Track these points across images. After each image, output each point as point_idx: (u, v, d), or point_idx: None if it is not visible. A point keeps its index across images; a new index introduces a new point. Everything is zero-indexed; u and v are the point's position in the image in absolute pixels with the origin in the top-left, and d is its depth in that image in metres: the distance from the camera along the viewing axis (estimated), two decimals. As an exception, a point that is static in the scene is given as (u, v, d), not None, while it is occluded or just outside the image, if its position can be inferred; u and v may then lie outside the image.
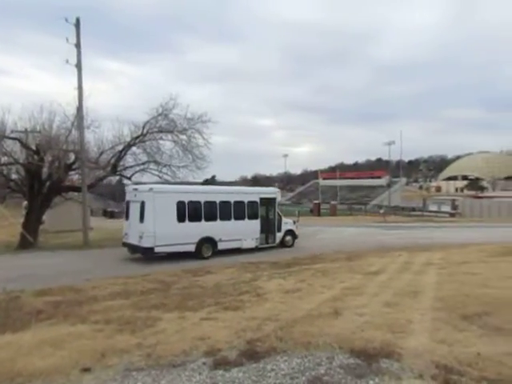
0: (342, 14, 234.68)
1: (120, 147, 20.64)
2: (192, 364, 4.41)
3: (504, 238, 18.62)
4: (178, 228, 15.05)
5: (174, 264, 13.81)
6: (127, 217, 16.00)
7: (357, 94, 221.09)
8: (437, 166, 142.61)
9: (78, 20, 19.35)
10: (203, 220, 15.84)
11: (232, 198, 16.89)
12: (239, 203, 16.97)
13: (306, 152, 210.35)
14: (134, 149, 20.90)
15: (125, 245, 15.89)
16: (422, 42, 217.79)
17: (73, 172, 21.03)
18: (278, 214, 18.49)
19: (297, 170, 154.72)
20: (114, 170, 20.99)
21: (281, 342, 4.99)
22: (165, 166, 20.74)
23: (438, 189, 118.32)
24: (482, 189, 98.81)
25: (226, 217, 16.41)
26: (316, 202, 51.12)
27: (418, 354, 4.39)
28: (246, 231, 17.00)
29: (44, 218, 23.55)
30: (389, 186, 68.31)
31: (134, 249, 15.50)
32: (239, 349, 4.81)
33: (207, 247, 15.77)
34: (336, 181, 76.38)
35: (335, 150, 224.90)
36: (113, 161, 20.68)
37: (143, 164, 21.06)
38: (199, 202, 15.84)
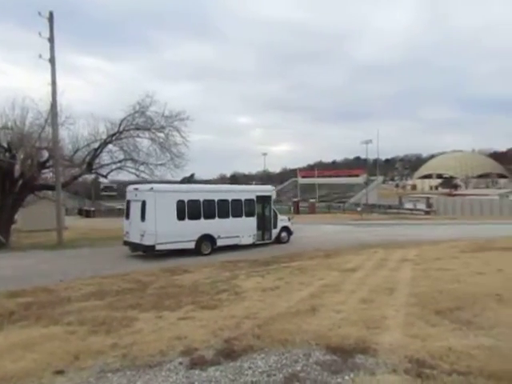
0: (320, 14, 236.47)
1: (96, 145, 20.27)
2: (168, 364, 4.37)
3: (475, 235, 19.16)
4: (178, 226, 15.44)
5: (154, 263, 13.66)
6: (127, 216, 16.27)
7: (335, 93, 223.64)
8: (412, 164, 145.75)
9: (51, 14, 18.87)
10: (202, 218, 16.24)
11: (229, 197, 17.31)
12: (236, 201, 17.40)
13: (285, 150, 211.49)
14: (110, 146, 20.59)
15: (126, 243, 16.20)
16: (398, 43, 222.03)
17: (46, 170, 20.51)
18: (274, 211, 18.98)
19: (276, 169, 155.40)
20: (90, 168, 20.59)
21: (258, 340, 5.01)
22: (142, 163, 20.51)
23: (414, 187, 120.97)
24: (456, 187, 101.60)
25: (224, 215, 16.85)
26: (295, 200, 51.49)
27: (392, 349, 4.47)
28: (244, 228, 17.42)
29: (16, 217, 22.92)
30: (366, 184, 69.32)
31: (135, 247, 15.78)
32: (216, 348, 4.80)
33: (206, 244, 16.18)
34: (315, 179, 77.11)
35: (314, 149, 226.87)
36: (88, 159, 20.28)
37: (120, 162, 20.75)
38: (198, 201, 16.24)
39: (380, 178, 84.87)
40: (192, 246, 15.80)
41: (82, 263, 14.21)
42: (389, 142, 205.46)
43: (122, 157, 20.63)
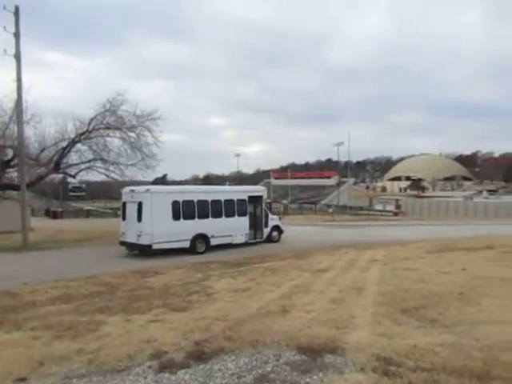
0: (292, 16, 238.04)
1: (64, 144, 19.73)
2: (137, 368, 4.29)
3: (441, 236, 19.81)
4: (173, 226, 15.95)
5: (125, 265, 13.40)
6: (124, 217, 16.75)
7: (307, 95, 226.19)
8: (383, 167, 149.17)
9: (17, 8, 18.22)
10: (196, 218, 16.75)
11: (222, 197, 17.92)
12: (229, 201, 17.95)
13: (258, 152, 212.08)
14: (79, 146, 20.08)
15: (122, 243, 16.62)
16: (369, 48, 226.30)
17: (11, 169, 19.78)
18: (265, 211, 19.60)
19: (249, 170, 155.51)
20: (57, 167, 20.01)
21: (229, 342, 4.99)
22: (112, 163, 20.09)
23: (384, 189, 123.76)
24: (423, 189, 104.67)
25: (217, 214, 17.40)
26: (268, 201, 51.67)
27: (360, 347, 4.56)
28: (236, 228, 17.96)
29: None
30: (338, 185, 70.51)
31: (131, 247, 16.28)
32: (186, 350, 4.75)
33: (201, 243, 16.69)
34: (287, 180, 77.72)
35: (287, 150, 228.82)
36: (55, 158, 19.72)
37: (89, 162, 20.28)
38: (192, 201, 16.76)
39: (351, 180, 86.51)
40: (187, 245, 16.29)
41: (48, 266, 13.75)
42: (360, 145, 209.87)
43: (91, 156, 20.17)
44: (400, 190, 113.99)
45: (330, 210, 46.55)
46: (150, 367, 4.31)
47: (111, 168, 20.18)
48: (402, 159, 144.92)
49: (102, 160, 20.09)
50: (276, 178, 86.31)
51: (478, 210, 48.41)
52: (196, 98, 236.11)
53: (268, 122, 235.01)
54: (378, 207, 56.86)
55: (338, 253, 14.52)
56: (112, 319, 6.34)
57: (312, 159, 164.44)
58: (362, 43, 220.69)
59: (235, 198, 18.27)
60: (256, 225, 18.95)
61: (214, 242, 17.07)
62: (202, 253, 16.25)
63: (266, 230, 19.36)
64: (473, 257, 11.66)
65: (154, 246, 15.50)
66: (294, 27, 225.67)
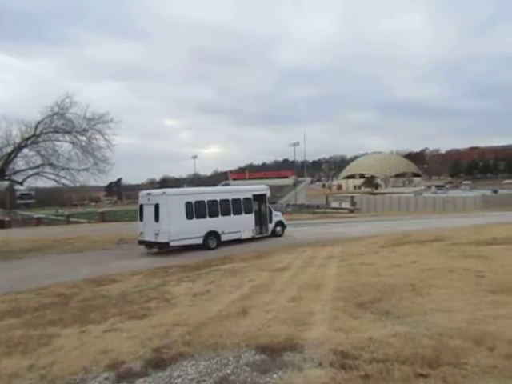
0: (245, 18, 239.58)
1: (8, 149, 18.65)
2: (92, 381, 4.14)
3: (394, 230, 20.61)
4: (187, 224, 17.44)
5: (80, 274, 12.85)
6: (141, 218, 18.06)
7: (263, 96, 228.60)
8: (338, 165, 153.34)
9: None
10: (208, 216, 18.22)
11: (230, 197, 19.39)
12: (236, 200, 19.41)
13: (215, 153, 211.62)
14: (25, 151, 19.04)
15: (141, 242, 18.04)
16: (322, 50, 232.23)
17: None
18: (269, 208, 21.14)
19: (207, 172, 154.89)
20: (2, 174, 18.87)
21: (188, 347, 4.93)
22: (62, 169, 19.20)
23: (339, 187, 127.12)
24: (377, 186, 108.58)
25: (226, 213, 18.83)
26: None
27: (318, 343, 4.64)
28: (244, 224, 19.42)
29: None
30: (295, 185, 71.55)
31: (150, 245, 17.69)
32: (145, 358, 4.64)
33: (212, 239, 18.14)
34: (245, 181, 77.85)
35: (244, 151, 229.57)
36: (0, 164, 18.57)
37: (37, 167, 19.24)
38: (204, 202, 18.25)
39: (308, 179, 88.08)
40: (200, 241, 17.79)
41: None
42: (315, 145, 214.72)
43: (39, 162, 19.16)
44: (355, 187, 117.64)
45: (288, 209, 47.18)
46: (106, 379, 4.18)
47: (61, 173, 19.30)
48: (355, 158, 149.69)
49: (52, 165, 19.13)
50: (234, 179, 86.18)
51: (427, 205, 50.89)
52: (150, 99, 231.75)
53: (225, 123, 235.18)
54: (335, 205, 58.28)
55: (297, 251, 14.73)
56: (65, 331, 6.07)
57: (269, 160, 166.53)
58: (313, 45, 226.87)
59: (242, 197, 19.73)
60: (261, 221, 20.47)
61: (224, 238, 18.51)
62: (213, 248, 17.81)
63: (271, 226, 20.85)
64: (423, 249, 12.20)
65: (172, 243, 17.01)
66: (248, 29, 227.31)
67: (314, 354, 4.37)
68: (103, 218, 41.86)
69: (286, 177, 79.85)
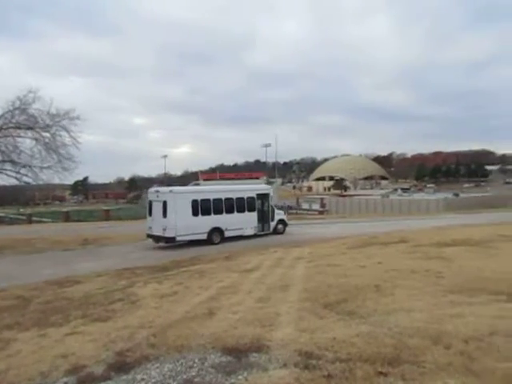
0: (218, 17, 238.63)
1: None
2: (51, 386, 4.01)
3: (362, 232, 21.03)
4: (193, 221, 18.38)
5: (43, 275, 12.38)
6: (150, 213, 19.01)
7: (234, 96, 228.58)
8: (308, 167, 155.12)
9: None
10: (212, 214, 19.06)
11: (234, 195, 20.20)
12: (240, 199, 20.24)
13: (186, 153, 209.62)
14: (-17, 147, 18.15)
15: (149, 236, 18.96)
16: (293, 52, 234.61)
17: None
18: (271, 206, 21.96)
19: (177, 171, 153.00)
20: (-42, 171, 17.96)
21: (153, 349, 4.87)
22: (24, 166, 18.42)
23: (310, 188, 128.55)
24: (346, 188, 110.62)
25: (230, 210, 19.70)
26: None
27: (283, 344, 4.68)
28: (246, 221, 20.31)
29: None
30: (266, 186, 71.69)
31: (158, 239, 18.59)
32: (107, 362, 4.55)
33: (216, 235, 19.02)
34: (216, 182, 77.43)
35: (215, 151, 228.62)
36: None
37: (-4, 164, 18.41)
38: (209, 200, 19.13)
39: (279, 181, 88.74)
40: (205, 237, 18.67)
41: None
42: (287, 146, 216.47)
43: (-1, 158, 18.35)
44: (324, 189, 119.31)
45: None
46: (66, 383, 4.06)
47: (23, 171, 18.49)
48: (325, 160, 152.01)
49: (12, 162, 18.33)
50: (205, 180, 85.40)
51: (393, 207, 52.24)
52: (119, 97, 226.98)
53: (196, 122, 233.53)
54: (305, 206, 58.85)
55: (266, 252, 14.78)
56: (23, 335, 5.85)
57: (240, 160, 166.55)
58: (284, 47, 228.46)
59: (245, 195, 20.59)
60: (263, 219, 21.32)
61: (227, 234, 19.36)
62: (217, 244, 18.59)
63: (273, 224, 21.72)
64: (388, 251, 12.55)
65: (178, 238, 18.02)
66: (220, 28, 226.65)
67: (279, 354, 4.41)
68: (67, 217, 40.49)
69: (258, 178, 79.91)
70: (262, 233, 21.13)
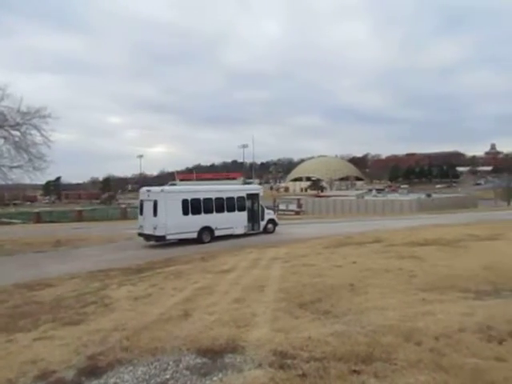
0: (194, 16, 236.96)
1: None
2: (19, 393, 3.88)
3: (337, 232, 21.29)
4: (183, 220, 18.59)
5: (11, 278, 11.96)
6: (141, 212, 19.30)
7: (211, 96, 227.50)
8: (285, 168, 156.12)
9: None
10: (202, 213, 19.33)
11: (224, 195, 20.46)
12: (230, 198, 20.53)
13: (162, 153, 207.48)
14: None
15: (140, 235, 19.25)
16: (271, 52, 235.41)
17: None
18: (261, 206, 22.31)
19: (153, 171, 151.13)
20: None
21: (126, 353, 4.78)
22: (-8, 165, 17.81)
23: (287, 189, 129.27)
24: (322, 188, 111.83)
25: (220, 210, 19.96)
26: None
27: (259, 344, 4.69)
28: (236, 221, 20.55)
29: None
30: (243, 186, 71.66)
31: (148, 237, 18.81)
32: (78, 367, 4.44)
33: (206, 234, 19.25)
34: (193, 182, 76.94)
35: (192, 152, 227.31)
36: None
37: (-38, 163, 17.72)
38: (199, 199, 19.41)
39: (256, 181, 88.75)
40: (195, 235, 18.89)
41: None
42: (264, 147, 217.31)
43: (-35, 157, 17.66)
44: (301, 189, 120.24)
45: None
46: (34, 390, 3.93)
47: (-10, 170, 17.89)
48: (302, 161, 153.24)
49: (-20, 161, 17.73)
50: (181, 180, 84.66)
51: (368, 207, 53.15)
52: (93, 95, 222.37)
53: (173, 122, 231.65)
54: (282, 207, 59.08)
55: (242, 253, 14.75)
56: (-11, 341, 5.64)
57: (218, 161, 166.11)
58: (262, 48, 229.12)
59: (235, 195, 20.86)
60: (254, 218, 21.60)
61: (217, 233, 19.58)
62: (207, 242, 18.84)
63: (263, 223, 22.04)
64: (362, 250, 12.74)
65: (168, 237, 18.21)
66: (196, 27, 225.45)
67: (254, 355, 4.41)
68: (39, 218, 39.31)
69: (235, 178, 79.61)
70: (252, 232, 21.42)
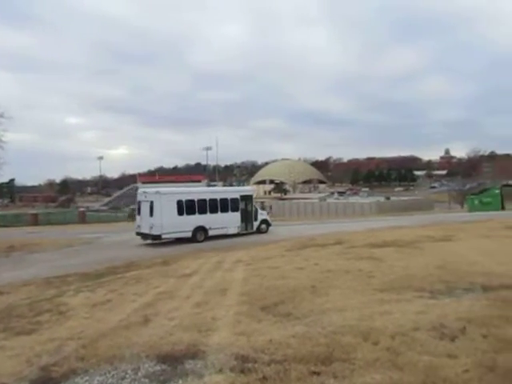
0: (157, 16, 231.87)
1: None
2: (-37, 409, 3.65)
3: (300, 234, 21.56)
4: (178, 220, 19.48)
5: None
6: (139, 213, 20.38)
7: (173, 97, 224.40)
8: (249, 171, 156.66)
9: None
10: (197, 213, 20.18)
11: (218, 196, 21.55)
12: (224, 199, 21.42)
13: (124, 154, 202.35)
14: None
15: (138, 234, 20.10)
16: (234, 55, 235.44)
17: None
18: (255, 207, 23.25)
19: (114, 174, 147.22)
20: None
21: (82, 362, 4.61)
22: None
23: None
24: (286, 191, 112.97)
25: (214, 210, 20.77)
26: (133, 207, 49.42)
27: (220, 348, 4.65)
28: (230, 221, 21.33)
29: None
30: (207, 189, 71.24)
31: (145, 236, 19.71)
32: (30, 378, 4.25)
33: (200, 233, 20.14)
34: (156, 184, 75.62)
35: (154, 154, 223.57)
36: None
37: None
38: (193, 200, 20.31)
39: (220, 184, 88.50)
40: (189, 235, 19.82)
41: None
42: (227, 149, 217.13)
43: None
44: (265, 192, 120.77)
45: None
46: (-19, 405, 3.72)
47: None
48: (266, 164, 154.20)
49: None
50: (143, 183, 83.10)
51: (330, 210, 54.32)
52: (49, 94, 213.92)
53: (133, 123, 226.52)
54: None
55: (205, 256, 14.64)
56: None
57: (181, 163, 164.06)
58: (225, 50, 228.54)
59: (229, 196, 21.83)
60: (247, 219, 22.30)
61: (211, 232, 20.42)
62: (201, 241, 19.66)
63: (256, 223, 22.75)
64: (324, 252, 12.96)
65: (163, 236, 19.19)
66: (160, 28, 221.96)
67: (215, 359, 4.37)
68: (-10, 222, 37.24)
69: (199, 181, 79.48)
70: (246, 232, 22.09)
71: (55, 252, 18.14)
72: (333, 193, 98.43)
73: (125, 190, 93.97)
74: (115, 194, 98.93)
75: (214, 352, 4.57)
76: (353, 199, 70.77)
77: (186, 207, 19.88)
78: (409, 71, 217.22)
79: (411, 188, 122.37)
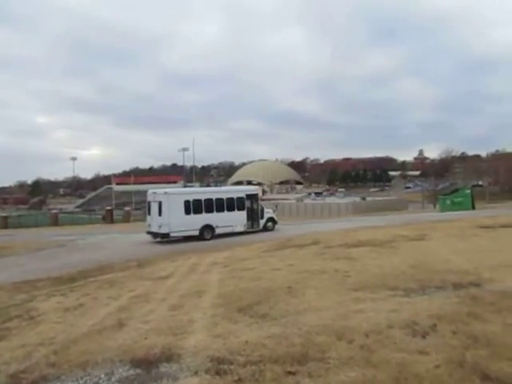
0: (132, 14, 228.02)
1: None
2: None
3: (278, 235, 21.67)
4: (186, 219, 20.48)
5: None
6: (149, 212, 21.31)
7: (147, 97, 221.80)
8: (226, 171, 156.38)
9: None
10: (204, 212, 21.16)
11: (225, 196, 22.49)
12: (230, 199, 22.34)
13: (97, 155, 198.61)
14: None
15: (148, 232, 21.15)
16: (211, 55, 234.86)
17: None
18: (261, 205, 24.16)
19: (87, 175, 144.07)
20: None
21: (53, 368, 4.48)
22: None
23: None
24: (263, 192, 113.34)
25: (220, 209, 21.68)
26: (108, 208, 48.51)
27: (195, 351, 4.61)
28: (236, 219, 22.22)
29: None
30: (184, 190, 70.70)
31: (155, 235, 20.74)
32: (-3, 387, 4.08)
33: (207, 232, 21.12)
34: (131, 186, 74.54)
35: (129, 154, 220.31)
36: None
37: None
38: (200, 200, 21.30)
39: (197, 185, 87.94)
40: (196, 233, 20.84)
41: None
42: (204, 150, 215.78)
43: None
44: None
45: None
46: None
47: None
48: (243, 164, 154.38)
49: None
50: (118, 184, 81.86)
51: (307, 210, 54.90)
52: (16, 92, 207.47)
53: (108, 123, 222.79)
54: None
55: (182, 258, 14.52)
56: None
57: (157, 164, 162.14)
58: (202, 50, 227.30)
59: (235, 196, 22.73)
60: (253, 217, 23.17)
61: (218, 231, 21.33)
62: (208, 239, 20.65)
63: (262, 221, 23.62)
64: (301, 253, 13.05)
65: (172, 234, 20.26)
66: (135, 26, 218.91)
67: (190, 362, 4.33)
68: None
69: (175, 182, 78.82)
70: (252, 230, 22.89)
71: (26, 255, 17.62)
72: (310, 193, 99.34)
73: (99, 191, 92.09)
74: (89, 196, 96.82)
75: (189, 355, 4.52)
76: (329, 200, 71.60)
77: (193, 207, 20.80)
78: (383, 73, 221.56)
79: (386, 188, 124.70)
